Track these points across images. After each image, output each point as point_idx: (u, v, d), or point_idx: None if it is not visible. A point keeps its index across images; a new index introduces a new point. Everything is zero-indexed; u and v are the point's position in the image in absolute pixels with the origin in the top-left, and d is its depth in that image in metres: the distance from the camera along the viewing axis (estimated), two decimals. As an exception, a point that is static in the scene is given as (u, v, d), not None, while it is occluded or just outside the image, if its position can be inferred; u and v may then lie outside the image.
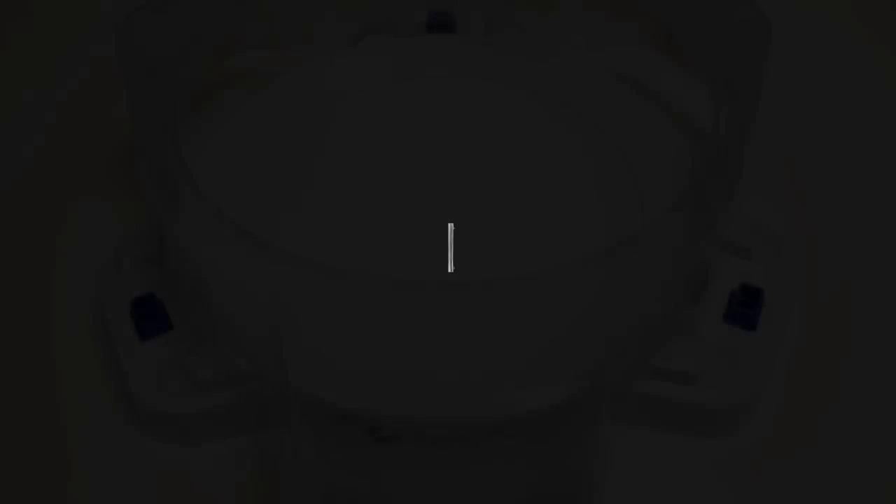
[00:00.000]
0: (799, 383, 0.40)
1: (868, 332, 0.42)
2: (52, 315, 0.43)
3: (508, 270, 0.34)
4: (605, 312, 0.35)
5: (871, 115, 0.50)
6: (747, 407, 0.38)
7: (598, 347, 0.34)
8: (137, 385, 0.38)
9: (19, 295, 0.43)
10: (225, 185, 0.42)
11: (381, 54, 0.48)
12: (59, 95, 0.51)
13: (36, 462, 0.39)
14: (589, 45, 0.48)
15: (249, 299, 0.35)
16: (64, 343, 0.42)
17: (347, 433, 0.33)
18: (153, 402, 0.38)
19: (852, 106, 0.50)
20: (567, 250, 0.36)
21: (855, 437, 0.39)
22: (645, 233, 0.36)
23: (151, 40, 0.42)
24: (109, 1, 0.51)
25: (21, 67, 0.53)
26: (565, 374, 0.34)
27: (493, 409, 0.33)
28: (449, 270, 0.40)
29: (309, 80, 0.47)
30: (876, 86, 0.51)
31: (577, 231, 0.41)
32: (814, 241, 0.44)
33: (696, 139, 0.46)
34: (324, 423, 0.33)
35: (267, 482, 0.38)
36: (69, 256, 0.45)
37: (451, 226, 0.41)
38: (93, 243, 0.44)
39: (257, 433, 0.39)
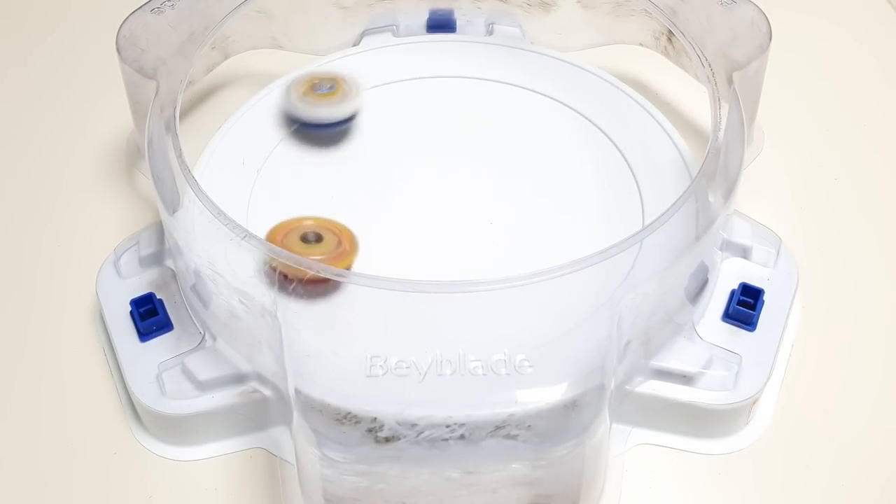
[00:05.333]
0: (799, 383, 0.40)
1: (867, 332, 0.42)
2: (53, 315, 0.43)
3: (508, 271, 0.34)
4: (605, 312, 0.35)
5: (871, 116, 0.50)
6: (747, 407, 0.38)
7: (599, 347, 0.34)
8: (137, 385, 0.38)
9: (20, 295, 0.43)
10: (225, 184, 0.42)
11: (381, 54, 0.48)
12: (59, 96, 0.51)
13: (36, 461, 0.39)
14: (589, 45, 0.48)
15: (249, 300, 0.35)
16: (64, 343, 0.42)
17: (347, 433, 0.33)
18: (153, 402, 0.38)
19: (852, 106, 0.50)
20: (567, 250, 0.36)
21: (855, 437, 0.39)
22: (645, 233, 0.36)
23: (151, 40, 0.42)
24: (109, 1, 0.51)
25: (21, 68, 0.53)
26: (565, 374, 0.34)
27: (493, 409, 0.33)
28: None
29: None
30: (875, 86, 0.51)
31: (576, 231, 0.41)
32: (813, 242, 0.44)
33: (696, 139, 0.46)
34: (324, 423, 0.33)
35: (268, 481, 0.38)
36: (69, 256, 0.45)
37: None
38: (93, 243, 0.44)
39: (257, 433, 0.39)
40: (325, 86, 0.44)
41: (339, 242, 0.39)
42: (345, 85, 0.45)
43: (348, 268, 0.38)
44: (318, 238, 0.39)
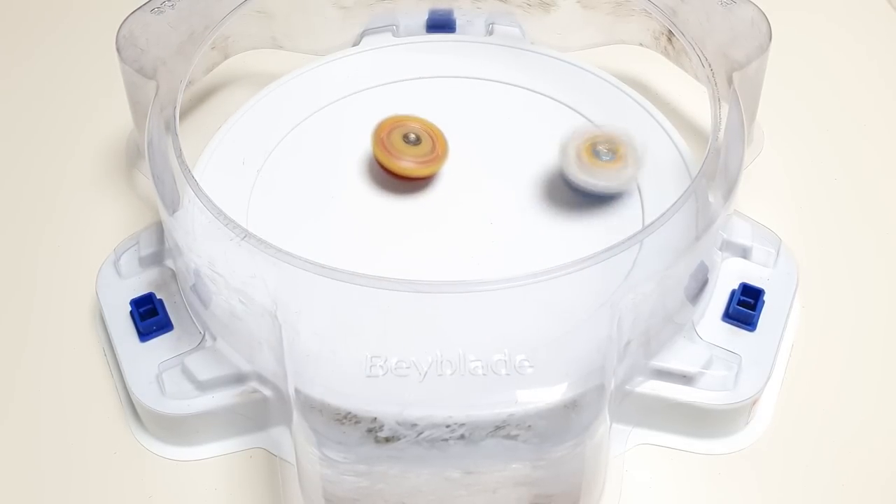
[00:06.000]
0: (799, 383, 0.40)
1: (867, 331, 0.42)
2: (53, 315, 0.43)
3: (508, 271, 0.34)
4: (605, 312, 0.35)
5: (871, 116, 0.50)
6: (747, 407, 0.38)
7: (599, 347, 0.34)
8: (137, 385, 0.38)
9: (20, 295, 0.43)
10: (225, 184, 0.42)
11: (381, 54, 0.48)
12: (59, 96, 0.51)
13: (36, 461, 0.39)
14: (589, 45, 0.48)
15: (249, 300, 0.35)
16: (64, 343, 0.42)
17: (347, 433, 0.33)
18: (153, 403, 0.38)
19: (852, 106, 0.50)
20: (567, 250, 0.36)
21: (855, 437, 0.39)
22: (645, 233, 0.36)
23: (151, 40, 0.42)
24: (109, 1, 0.51)
25: (21, 68, 0.53)
26: (565, 374, 0.34)
27: (494, 409, 0.33)
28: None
29: (309, 80, 0.47)
30: (875, 86, 0.51)
31: (576, 231, 0.41)
32: (813, 242, 0.44)
33: (696, 139, 0.46)
34: (324, 423, 0.33)
35: (268, 482, 0.38)
36: (70, 256, 0.45)
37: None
38: (94, 243, 0.44)
39: (257, 433, 0.39)
40: (605, 153, 0.40)
41: (433, 148, 0.42)
42: (624, 151, 0.41)
43: (434, 172, 0.42)
44: (418, 140, 0.42)
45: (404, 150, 0.42)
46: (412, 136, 0.42)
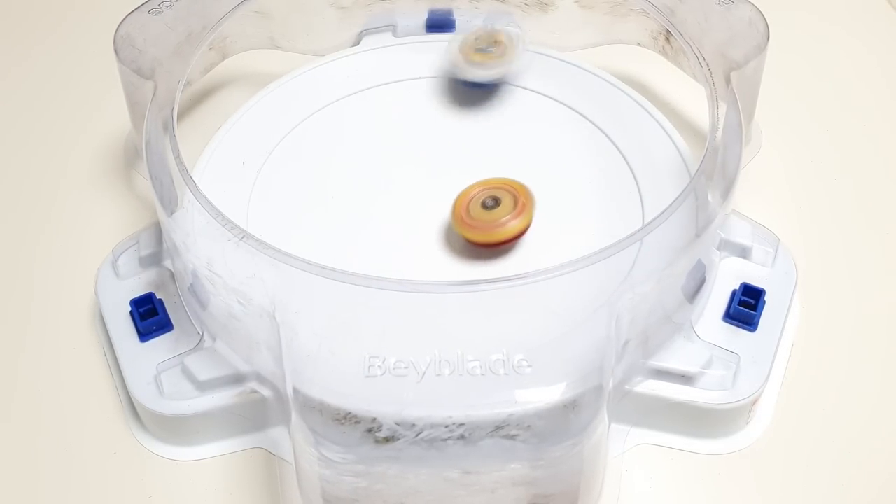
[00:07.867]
0: (799, 383, 0.40)
1: (867, 331, 0.42)
2: (52, 315, 0.43)
3: (507, 270, 0.34)
4: (604, 312, 0.35)
5: (871, 116, 0.50)
6: (747, 407, 0.38)
7: (597, 347, 0.34)
8: (137, 385, 0.38)
9: (19, 296, 0.43)
10: (224, 184, 0.42)
11: (381, 54, 0.48)
12: (57, 96, 0.51)
13: (36, 461, 0.39)
14: (587, 45, 0.48)
15: (247, 300, 0.35)
16: (64, 343, 0.42)
17: (347, 433, 0.33)
18: (153, 403, 0.38)
19: (851, 106, 0.50)
20: (567, 250, 0.36)
21: (855, 437, 0.39)
22: (645, 232, 0.36)
23: (149, 41, 0.42)
24: (108, 1, 0.51)
25: (20, 68, 0.53)
26: (564, 374, 0.34)
27: (492, 410, 0.33)
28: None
29: (309, 80, 0.47)
30: (875, 86, 0.51)
31: (576, 231, 0.41)
32: (812, 241, 0.44)
33: (695, 139, 0.46)
34: (323, 423, 0.33)
35: (267, 482, 0.38)
36: (69, 256, 0.45)
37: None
38: (93, 243, 0.44)
39: (257, 433, 0.39)
40: (485, 45, 0.46)
41: (516, 200, 0.40)
42: (505, 44, 0.46)
43: (530, 221, 0.40)
44: (496, 201, 0.40)
45: (489, 216, 0.40)
46: (489, 201, 0.40)
